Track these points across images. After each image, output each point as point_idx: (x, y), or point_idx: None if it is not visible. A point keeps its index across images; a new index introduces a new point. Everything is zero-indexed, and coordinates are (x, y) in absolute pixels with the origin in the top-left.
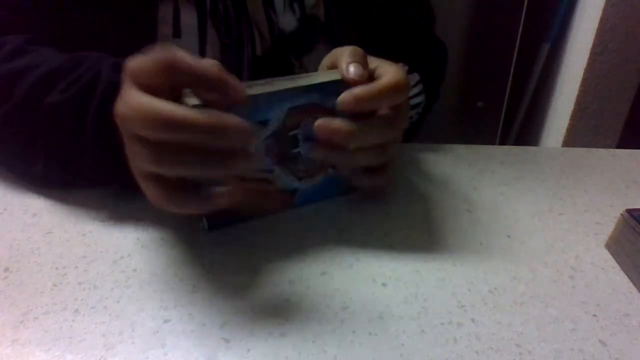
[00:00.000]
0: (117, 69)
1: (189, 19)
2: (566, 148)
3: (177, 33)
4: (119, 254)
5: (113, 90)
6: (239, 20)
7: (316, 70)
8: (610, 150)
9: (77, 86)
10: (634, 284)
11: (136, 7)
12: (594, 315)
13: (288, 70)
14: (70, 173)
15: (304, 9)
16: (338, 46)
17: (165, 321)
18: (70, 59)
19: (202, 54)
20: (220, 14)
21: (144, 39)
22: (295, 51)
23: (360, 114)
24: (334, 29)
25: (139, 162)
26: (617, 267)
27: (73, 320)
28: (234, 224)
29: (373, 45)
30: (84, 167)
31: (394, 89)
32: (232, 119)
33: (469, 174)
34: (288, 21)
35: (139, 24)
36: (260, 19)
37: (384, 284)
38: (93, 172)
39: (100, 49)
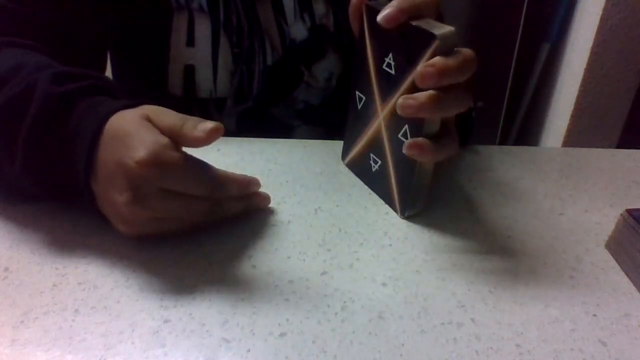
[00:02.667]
0: (57, 80)
1: (202, 28)
2: (566, 148)
3: (190, 42)
4: (119, 254)
5: (48, 104)
6: (251, 31)
7: (324, 77)
8: (610, 150)
9: (6, 95)
10: (634, 284)
11: (151, 15)
12: (594, 315)
13: (298, 79)
14: None
15: (314, 18)
16: (347, 55)
17: (165, 321)
18: (12, 67)
19: (215, 62)
20: (233, 24)
21: (158, 46)
22: (305, 60)
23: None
24: (344, 38)
25: (165, 212)
26: (617, 267)
27: (73, 320)
28: None
29: None
30: (10, 177)
31: (472, 60)
32: (254, 179)
33: (469, 174)
34: (298, 31)
35: (154, 31)
36: (271, 29)
37: (384, 284)
38: (19, 183)
39: (114, 54)
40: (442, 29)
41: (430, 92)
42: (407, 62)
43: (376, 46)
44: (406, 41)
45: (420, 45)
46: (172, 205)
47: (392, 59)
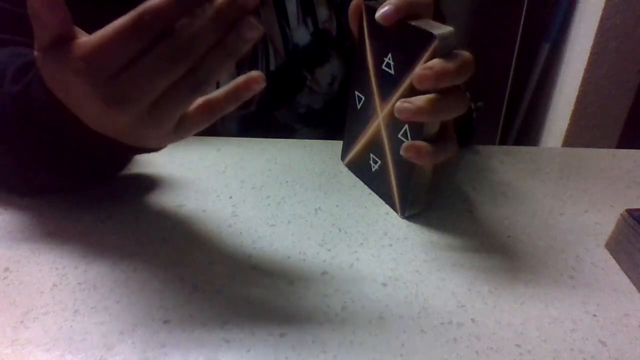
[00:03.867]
0: (18, 75)
1: None
2: (566, 148)
3: None
4: (119, 254)
5: (12, 103)
6: None
7: (326, 82)
8: (610, 150)
9: None
10: (634, 284)
11: None
12: (594, 315)
13: (301, 83)
14: None
15: (317, 23)
16: (350, 59)
17: (165, 321)
18: None
19: None
20: None
21: None
22: (308, 65)
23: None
24: (346, 42)
25: (141, 93)
26: (617, 267)
27: (73, 320)
28: None
29: None
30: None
31: (470, 63)
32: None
33: (469, 174)
34: (301, 36)
35: None
36: (274, 35)
37: (384, 284)
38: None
39: None
40: (441, 29)
41: (428, 96)
42: (406, 62)
43: (375, 46)
44: (405, 41)
45: (420, 45)
46: (139, 74)
47: (391, 59)
